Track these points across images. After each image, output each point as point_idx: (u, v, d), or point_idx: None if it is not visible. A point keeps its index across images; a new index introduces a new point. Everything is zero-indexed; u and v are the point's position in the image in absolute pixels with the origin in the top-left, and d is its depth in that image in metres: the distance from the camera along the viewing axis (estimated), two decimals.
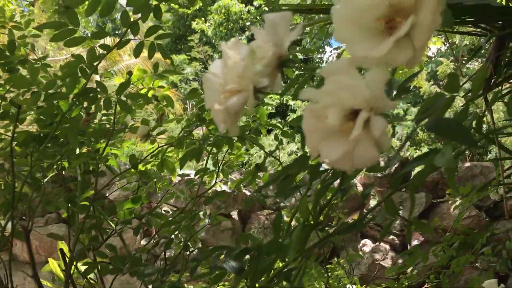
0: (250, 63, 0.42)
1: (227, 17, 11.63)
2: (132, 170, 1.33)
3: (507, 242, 1.72)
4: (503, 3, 1.46)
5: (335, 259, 3.09)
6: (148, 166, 1.40)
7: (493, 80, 1.58)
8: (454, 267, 1.58)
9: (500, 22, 1.50)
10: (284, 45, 0.46)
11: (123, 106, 1.13)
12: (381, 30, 0.36)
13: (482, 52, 1.75)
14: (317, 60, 12.12)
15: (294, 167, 0.61)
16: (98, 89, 1.10)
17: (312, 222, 0.70)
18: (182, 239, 1.37)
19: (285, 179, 0.70)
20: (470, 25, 1.59)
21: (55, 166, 1.27)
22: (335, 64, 0.37)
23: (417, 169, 0.60)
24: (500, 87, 1.63)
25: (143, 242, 3.67)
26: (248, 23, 11.52)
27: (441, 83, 8.49)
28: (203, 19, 12.10)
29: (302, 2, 2.61)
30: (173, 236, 1.36)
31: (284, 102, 9.92)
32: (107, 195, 3.38)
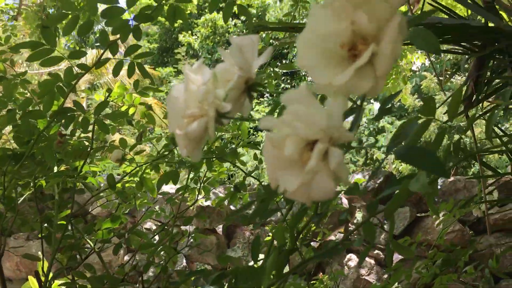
0: (212, 88, 0.41)
1: (213, 30, 11.67)
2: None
3: (490, 261, 1.72)
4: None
5: (321, 274, 3.07)
6: (127, 185, 1.38)
7: (474, 98, 1.60)
8: (438, 285, 1.57)
9: (481, 41, 1.52)
10: (252, 68, 0.45)
11: (101, 126, 1.11)
12: (344, 58, 0.35)
13: (465, 66, 1.77)
14: (303, 73, 12.21)
15: (265, 194, 0.59)
16: (75, 108, 1.08)
17: (290, 245, 0.69)
18: (163, 258, 1.35)
19: (261, 203, 0.69)
20: (451, 43, 1.61)
21: (31, 185, 1.25)
22: (294, 92, 0.36)
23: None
24: (481, 104, 1.65)
25: (126, 257, 3.62)
26: (234, 37, 11.57)
27: (425, 97, 8.59)
28: (189, 32, 12.13)
29: (286, 19, 2.62)
30: (153, 255, 1.33)
31: None
32: (90, 210, 3.34)
